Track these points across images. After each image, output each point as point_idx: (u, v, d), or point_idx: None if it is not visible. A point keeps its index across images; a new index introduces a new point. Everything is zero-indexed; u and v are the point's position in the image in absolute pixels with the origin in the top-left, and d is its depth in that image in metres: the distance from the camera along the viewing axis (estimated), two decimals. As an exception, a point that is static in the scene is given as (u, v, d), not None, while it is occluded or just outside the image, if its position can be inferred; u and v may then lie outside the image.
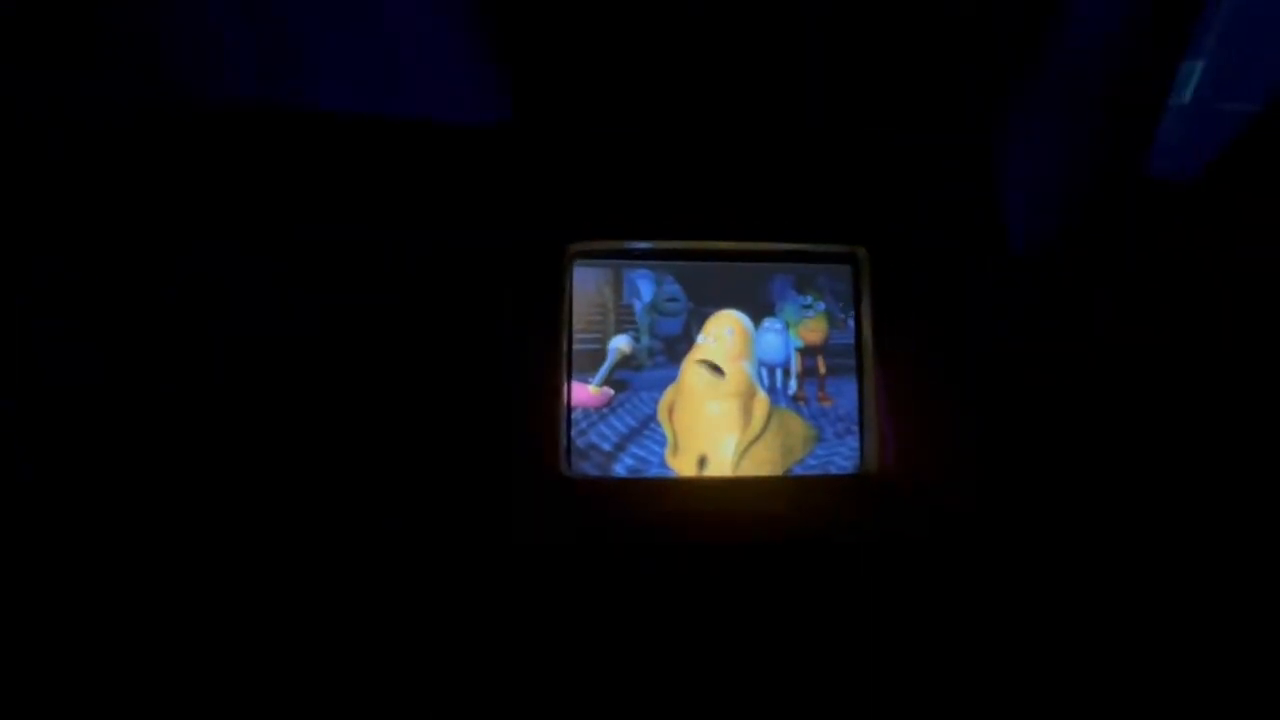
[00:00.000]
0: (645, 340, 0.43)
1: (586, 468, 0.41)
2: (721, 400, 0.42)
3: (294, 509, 0.37)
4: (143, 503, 0.36)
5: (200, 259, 0.38)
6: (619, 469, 0.41)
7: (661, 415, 0.42)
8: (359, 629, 0.37)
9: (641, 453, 0.42)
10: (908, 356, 0.42)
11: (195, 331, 0.37)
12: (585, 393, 0.42)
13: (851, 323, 0.43)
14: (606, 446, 0.42)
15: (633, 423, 0.42)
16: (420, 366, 0.39)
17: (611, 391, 0.42)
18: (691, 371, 0.42)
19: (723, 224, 0.42)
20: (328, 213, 0.39)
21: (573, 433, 0.41)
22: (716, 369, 0.42)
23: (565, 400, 0.41)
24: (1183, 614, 0.38)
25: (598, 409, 0.42)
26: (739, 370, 0.42)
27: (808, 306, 0.43)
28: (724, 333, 0.43)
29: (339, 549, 0.37)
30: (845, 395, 0.43)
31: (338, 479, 0.38)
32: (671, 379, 0.43)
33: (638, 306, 0.43)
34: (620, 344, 0.42)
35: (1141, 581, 0.38)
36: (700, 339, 0.43)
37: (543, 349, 0.40)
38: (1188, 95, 0.84)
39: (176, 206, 0.37)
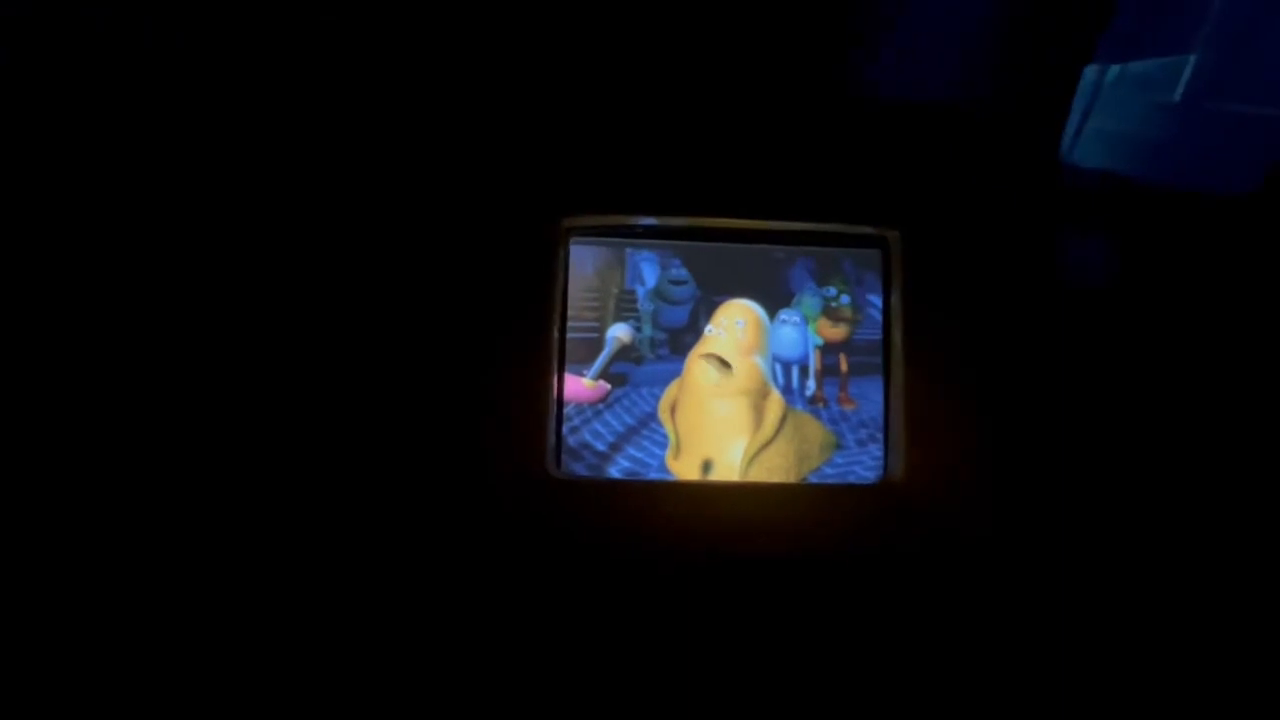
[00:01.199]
0: (648, 330, 0.38)
1: (578, 468, 0.37)
2: (729, 399, 0.38)
3: (248, 517, 0.35)
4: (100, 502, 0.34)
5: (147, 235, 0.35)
6: (614, 471, 0.37)
7: (663, 413, 0.38)
8: (327, 644, 0.35)
9: (639, 454, 0.38)
10: (942, 357, 0.37)
11: (139, 315, 0.35)
12: (579, 386, 0.38)
13: (879, 317, 0.39)
14: (601, 446, 0.38)
15: (630, 421, 0.38)
16: (395, 354, 0.36)
17: (608, 386, 0.38)
18: (697, 366, 0.38)
19: (736, 199, 0.38)
20: (290, 184, 0.36)
21: (564, 430, 0.37)
22: (724, 364, 0.38)
23: (555, 394, 0.37)
24: (1218, 640, 0.35)
25: (592, 404, 0.38)
26: (750, 366, 0.38)
27: (830, 299, 0.39)
28: (734, 324, 0.38)
29: (300, 558, 0.35)
30: (869, 398, 0.39)
31: (298, 478, 0.35)
32: (675, 374, 0.38)
33: (640, 292, 0.39)
34: (619, 333, 0.38)
35: (1184, 610, 0.36)
36: (708, 330, 0.38)
37: (530, 336, 0.36)
38: (1177, 94, 0.79)
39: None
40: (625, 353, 0.38)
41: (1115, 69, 0.86)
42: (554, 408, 0.37)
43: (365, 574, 0.35)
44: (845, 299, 0.39)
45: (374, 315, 0.36)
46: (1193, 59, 0.77)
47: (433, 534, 0.35)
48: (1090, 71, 0.85)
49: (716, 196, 0.38)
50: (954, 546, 0.37)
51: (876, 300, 0.39)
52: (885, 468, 0.38)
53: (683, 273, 0.39)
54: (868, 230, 0.38)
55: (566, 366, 0.38)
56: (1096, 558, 0.37)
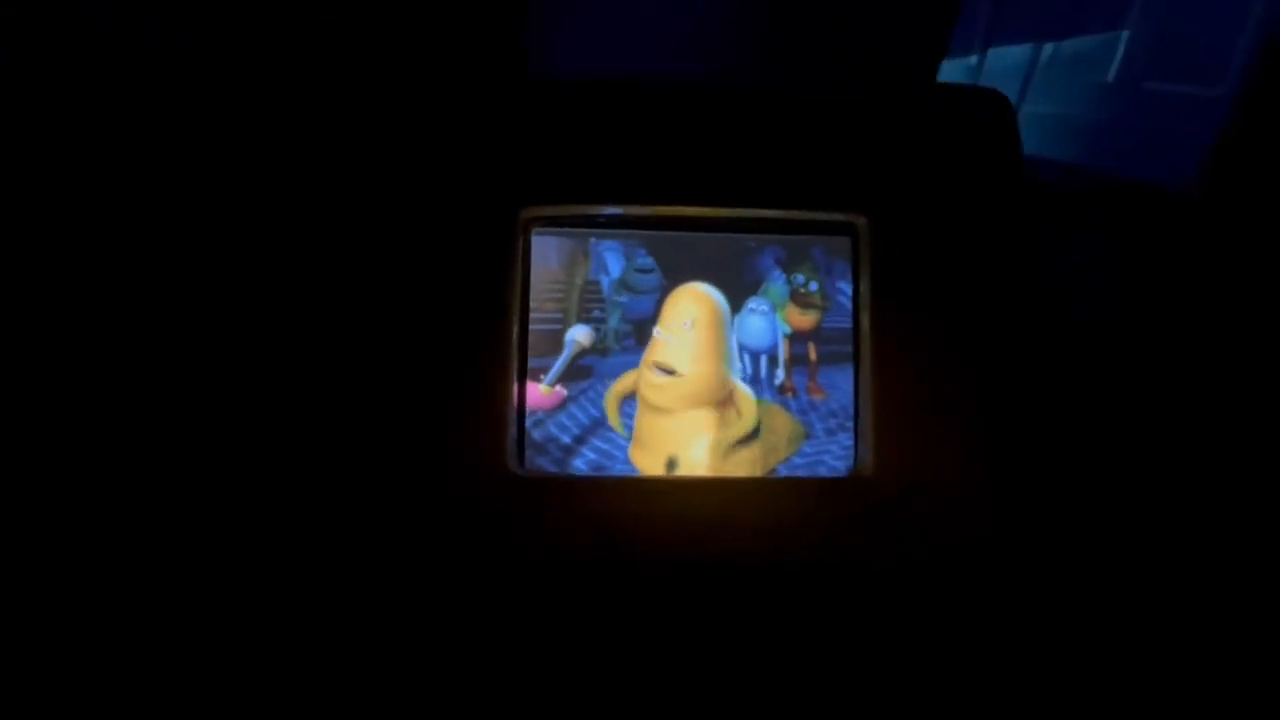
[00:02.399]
0: (614, 321, 0.38)
1: (543, 463, 0.37)
2: (682, 407, 0.37)
3: (194, 520, 0.35)
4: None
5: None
6: (579, 464, 0.37)
7: (609, 406, 0.37)
8: (283, 652, 0.34)
9: (605, 446, 0.37)
10: (913, 344, 0.36)
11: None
12: (535, 393, 0.37)
13: (847, 304, 0.38)
14: (566, 439, 0.37)
15: (595, 414, 0.37)
16: (348, 350, 0.35)
17: (565, 392, 0.37)
18: (646, 374, 0.37)
19: (702, 187, 0.37)
20: (236, 172, 0.35)
21: (529, 423, 0.37)
22: (670, 372, 0.37)
23: (516, 389, 0.36)
24: (1216, 645, 0.35)
25: (548, 411, 0.37)
26: (703, 371, 0.37)
27: (799, 286, 0.38)
28: (682, 326, 0.37)
29: (251, 565, 0.35)
30: (839, 387, 0.38)
31: (246, 481, 0.35)
32: (636, 365, 0.38)
33: (605, 283, 0.38)
34: (578, 335, 0.37)
35: (1172, 609, 0.36)
36: (656, 333, 0.37)
37: (489, 330, 0.36)
38: (1111, 73, 0.81)
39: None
40: (585, 353, 0.37)
41: (1049, 48, 0.87)
42: (514, 403, 0.36)
43: (316, 581, 0.35)
44: (814, 286, 0.38)
45: (328, 310, 0.35)
46: (1126, 34, 0.78)
47: (390, 535, 0.35)
48: (1024, 52, 0.87)
49: (682, 184, 0.37)
50: (926, 537, 0.36)
51: (845, 288, 0.38)
52: (855, 458, 0.37)
53: (648, 261, 0.38)
54: (836, 217, 0.37)
55: (530, 360, 0.37)
56: (1073, 549, 0.37)
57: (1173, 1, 0.70)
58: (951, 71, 0.93)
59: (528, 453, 0.37)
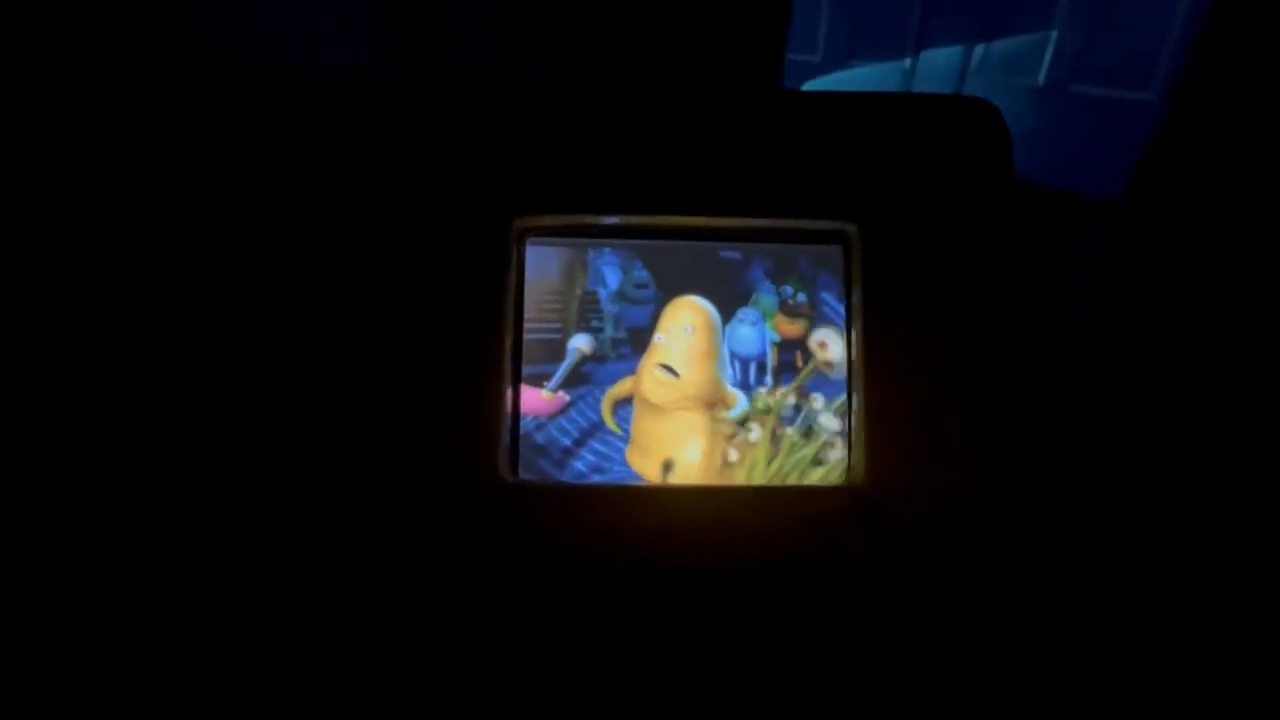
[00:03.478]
0: (610, 330, 0.39)
1: (545, 465, 0.38)
2: (681, 407, 0.39)
3: (187, 526, 0.35)
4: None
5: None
6: (579, 465, 0.38)
7: (605, 410, 0.39)
8: (273, 663, 0.35)
9: (604, 448, 0.39)
10: (905, 352, 0.37)
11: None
12: (537, 399, 0.38)
13: (832, 315, 0.39)
14: (566, 442, 0.39)
15: (594, 418, 0.39)
16: (341, 357, 0.36)
17: (566, 398, 0.39)
18: (648, 375, 0.39)
19: (692, 196, 0.38)
20: (231, 178, 0.36)
21: (531, 427, 0.38)
22: (673, 372, 0.39)
23: (510, 396, 0.37)
24: (1212, 656, 0.35)
25: (550, 416, 0.39)
26: (700, 373, 0.39)
27: (788, 296, 0.40)
28: (683, 330, 0.39)
29: (242, 575, 0.35)
30: (828, 397, 0.39)
31: (237, 489, 0.35)
32: (633, 371, 0.39)
33: (603, 294, 0.39)
34: (580, 344, 0.39)
35: (1166, 618, 0.36)
36: (657, 338, 0.39)
37: (483, 337, 0.36)
38: (1041, 75, 0.86)
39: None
40: (586, 361, 0.39)
41: (980, 50, 0.92)
42: (508, 411, 0.37)
43: (310, 588, 0.35)
44: (802, 297, 0.39)
45: (322, 316, 0.36)
46: (1054, 36, 0.83)
47: (384, 541, 0.35)
48: (955, 55, 0.92)
49: (674, 194, 0.38)
50: (920, 545, 0.36)
51: (829, 298, 0.40)
52: (847, 469, 0.38)
53: (644, 275, 0.39)
54: (828, 225, 0.38)
55: (528, 370, 0.38)
56: (1074, 551, 0.37)
57: (1097, 3, 0.75)
58: (884, 76, 0.97)
59: (529, 456, 0.38)
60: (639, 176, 0.37)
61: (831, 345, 0.39)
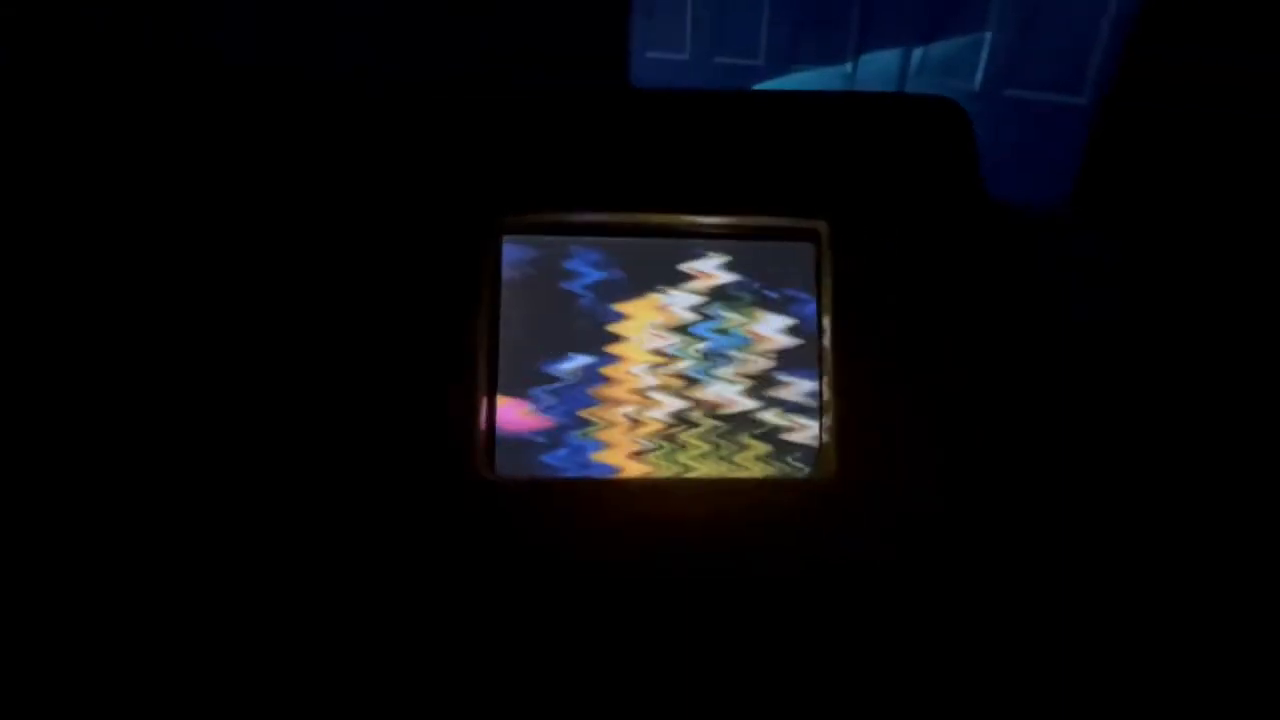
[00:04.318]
0: (585, 324, 0.39)
1: (522, 461, 0.37)
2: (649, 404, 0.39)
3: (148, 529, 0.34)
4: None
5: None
6: (553, 459, 0.38)
7: (582, 408, 0.39)
8: (244, 677, 0.34)
9: (580, 442, 0.38)
10: (874, 347, 0.38)
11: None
12: (518, 415, 0.38)
13: (802, 310, 0.40)
14: (541, 439, 0.38)
15: (570, 411, 0.39)
16: (312, 349, 0.35)
17: (551, 422, 0.38)
18: (619, 371, 0.39)
19: (664, 194, 0.38)
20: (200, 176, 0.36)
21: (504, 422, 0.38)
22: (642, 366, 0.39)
23: (486, 392, 0.37)
24: (1209, 660, 0.36)
25: (528, 413, 0.38)
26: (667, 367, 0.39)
27: (755, 291, 0.40)
28: (651, 326, 0.39)
29: (209, 581, 0.34)
30: (794, 386, 0.39)
31: (202, 491, 0.34)
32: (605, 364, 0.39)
33: (578, 289, 0.39)
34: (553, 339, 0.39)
35: (1163, 620, 0.36)
36: (629, 335, 0.39)
37: (458, 334, 0.36)
38: (977, 79, 0.89)
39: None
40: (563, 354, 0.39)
41: (918, 54, 0.95)
42: (485, 406, 0.37)
43: (284, 589, 0.34)
44: (772, 293, 0.40)
45: (297, 311, 0.36)
46: (989, 36, 0.85)
47: (360, 539, 0.35)
48: (894, 59, 0.93)
49: (649, 193, 0.38)
50: (889, 538, 0.36)
51: (799, 293, 0.40)
52: (817, 461, 0.38)
53: (617, 272, 0.39)
54: (798, 223, 0.39)
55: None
56: (1062, 546, 0.37)
57: (1026, 5, 0.77)
58: (825, 80, 0.99)
59: (506, 452, 0.37)
60: (615, 175, 0.38)
61: (795, 336, 0.40)
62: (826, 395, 0.38)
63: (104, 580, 0.34)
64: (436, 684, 0.34)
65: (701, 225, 0.39)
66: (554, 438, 0.38)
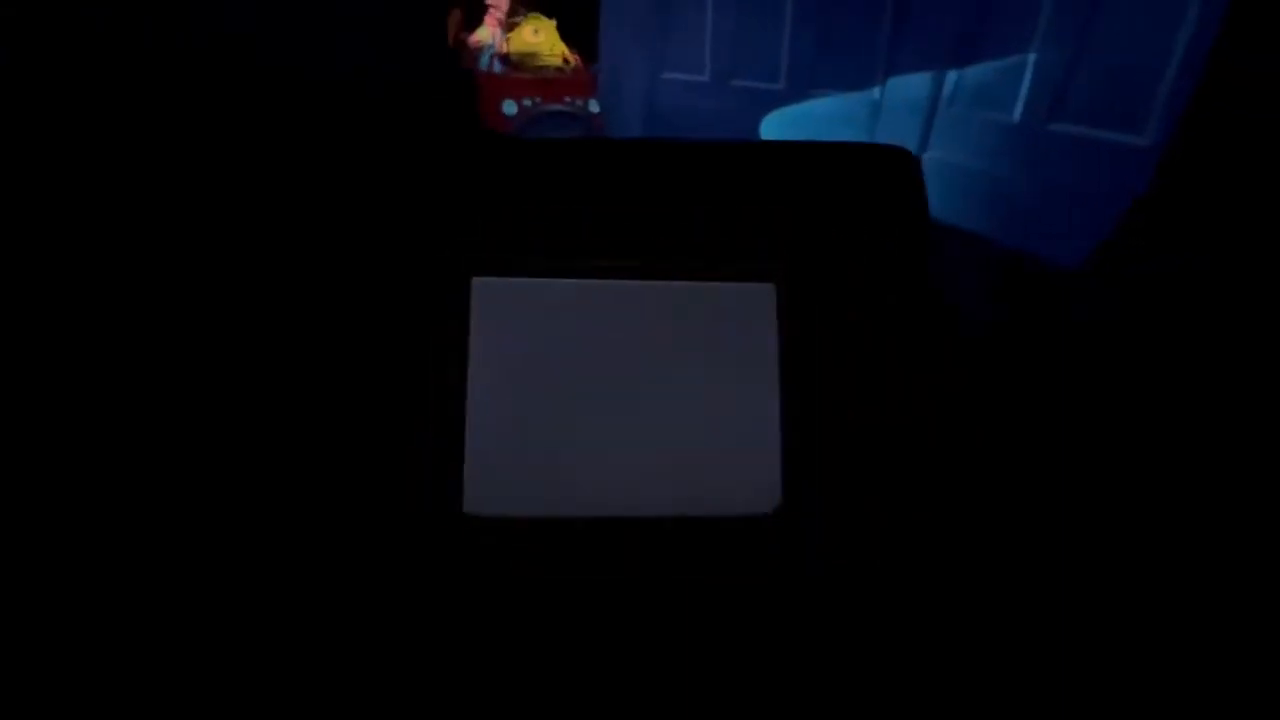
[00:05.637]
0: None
1: (504, 498, 0.37)
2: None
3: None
4: None
5: None
6: (536, 496, 0.37)
7: None
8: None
9: (559, 479, 0.38)
10: (825, 390, 0.38)
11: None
12: None
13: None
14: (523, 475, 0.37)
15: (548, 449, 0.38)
16: (293, 384, 0.36)
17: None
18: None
19: (629, 242, 0.38)
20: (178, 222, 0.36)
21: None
22: None
23: (454, 426, 0.36)
24: (1206, 666, 0.35)
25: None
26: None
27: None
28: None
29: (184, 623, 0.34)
30: None
31: (187, 532, 0.34)
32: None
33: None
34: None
35: (1161, 620, 0.36)
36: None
37: (439, 373, 0.36)
38: (1017, 111, 0.75)
39: None
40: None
41: (952, 79, 0.81)
42: (452, 441, 0.36)
43: (263, 625, 0.34)
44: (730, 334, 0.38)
45: (281, 346, 0.36)
46: (1033, 58, 0.72)
47: (341, 575, 0.35)
48: (925, 84, 0.81)
49: (616, 241, 0.38)
50: (842, 575, 0.36)
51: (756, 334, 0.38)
52: (775, 497, 0.37)
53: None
54: (757, 268, 0.38)
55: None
56: (978, 586, 0.36)
57: (1078, 20, 0.64)
58: (849, 107, 0.88)
59: (479, 489, 0.37)
60: (585, 223, 0.38)
61: (752, 375, 0.39)
62: (782, 432, 0.38)
63: (75, 613, 0.34)
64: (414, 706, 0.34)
65: (665, 269, 0.38)
66: (522, 473, 0.37)
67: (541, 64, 1.20)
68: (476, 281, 0.37)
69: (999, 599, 0.37)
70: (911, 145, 0.84)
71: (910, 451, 0.37)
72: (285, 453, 0.35)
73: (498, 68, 1.16)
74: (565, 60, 1.22)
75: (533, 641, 0.35)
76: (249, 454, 0.35)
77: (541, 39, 1.21)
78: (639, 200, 0.38)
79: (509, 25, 1.20)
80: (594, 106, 1.12)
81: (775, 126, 0.97)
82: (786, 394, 0.37)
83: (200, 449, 0.35)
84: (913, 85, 0.80)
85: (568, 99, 1.11)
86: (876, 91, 0.85)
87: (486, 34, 1.19)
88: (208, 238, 0.36)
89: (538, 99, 1.10)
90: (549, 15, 1.23)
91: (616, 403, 0.37)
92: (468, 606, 0.35)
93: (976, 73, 0.74)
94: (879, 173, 0.39)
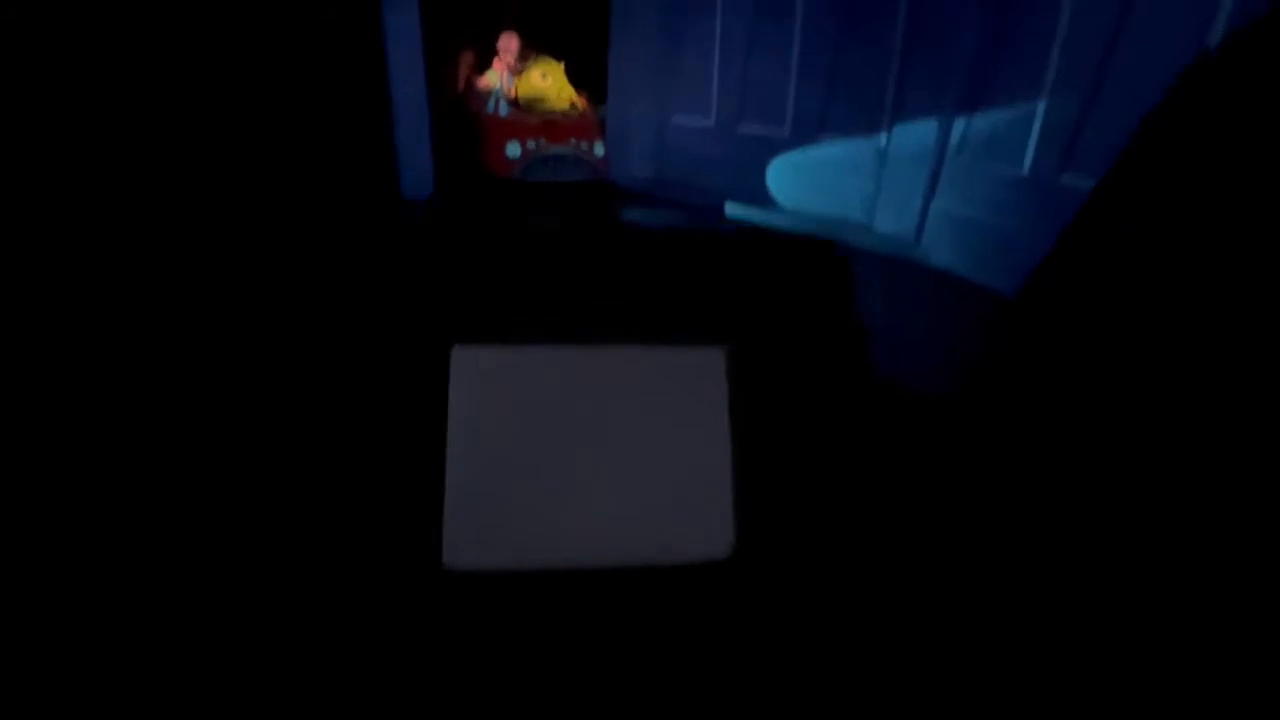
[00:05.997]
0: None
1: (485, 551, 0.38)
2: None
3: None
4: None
5: None
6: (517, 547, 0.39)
7: None
8: None
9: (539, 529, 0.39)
10: (771, 450, 0.40)
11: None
12: None
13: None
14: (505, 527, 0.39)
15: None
16: (278, 446, 0.37)
17: None
18: None
19: (593, 320, 0.41)
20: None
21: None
22: None
23: (434, 483, 0.38)
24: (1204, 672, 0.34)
25: None
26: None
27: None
28: None
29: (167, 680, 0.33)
30: None
31: (176, 582, 0.35)
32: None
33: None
34: None
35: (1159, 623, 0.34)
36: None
37: (420, 437, 0.38)
38: (1026, 163, 0.73)
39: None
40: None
41: (960, 128, 0.79)
42: (432, 498, 0.37)
43: (245, 679, 0.34)
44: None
45: (266, 408, 0.37)
46: (1042, 105, 0.70)
47: (326, 629, 0.35)
48: (930, 131, 0.79)
49: (581, 320, 0.40)
50: (795, 621, 0.38)
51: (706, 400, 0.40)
52: (729, 544, 0.39)
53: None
54: (707, 345, 0.40)
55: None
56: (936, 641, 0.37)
57: (1089, 66, 0.62)
58: (855, 153, 0.87)
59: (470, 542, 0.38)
60: (558, 297, 0.41)
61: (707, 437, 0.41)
62: (733, 485, 0.40)
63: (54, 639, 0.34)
64: None
65: (626, 335, 0.41)
66: (498, 528, 0.38)
67: (549, 107, 1.20)
68: (456, 350, 0.39)
69: (943, 633, 0.38)
70: (917, 194, 0.82)
71: (851, 499, 0.40)
72: (268, 508, 0.36)
73: (504, 110, 1.16)
74: (572, 104, 1.22)
75: (507, 686, 0.35)
76: (230, 508, 0.36)
77: (549, 83, 1.22)
78: (606, 276, 0.42)
79: (518, 69, 1.20)
80: (599, 149, 1.11)
81: (781, 172, 0.96)
82: (738, 447, 0.39)
83: (189, 501, 0.35)
84: (919, 133, 0.79)
85: (572, 141, 1.11)
86: (883, 139, 0.84)
87: (495, 77, 1.19)
88: (197, 304, 0.37)
89: (541, 141, 1.10)
90: (558, 58, 1.24)
91: (585, 459, 0.39)
92: (445, 651, 0.36)
93: (985, 121, 0.72)
94: (807, 261, 0.44)
